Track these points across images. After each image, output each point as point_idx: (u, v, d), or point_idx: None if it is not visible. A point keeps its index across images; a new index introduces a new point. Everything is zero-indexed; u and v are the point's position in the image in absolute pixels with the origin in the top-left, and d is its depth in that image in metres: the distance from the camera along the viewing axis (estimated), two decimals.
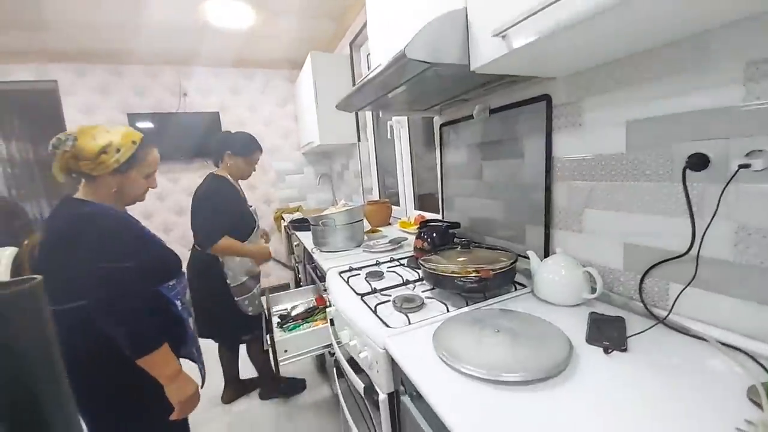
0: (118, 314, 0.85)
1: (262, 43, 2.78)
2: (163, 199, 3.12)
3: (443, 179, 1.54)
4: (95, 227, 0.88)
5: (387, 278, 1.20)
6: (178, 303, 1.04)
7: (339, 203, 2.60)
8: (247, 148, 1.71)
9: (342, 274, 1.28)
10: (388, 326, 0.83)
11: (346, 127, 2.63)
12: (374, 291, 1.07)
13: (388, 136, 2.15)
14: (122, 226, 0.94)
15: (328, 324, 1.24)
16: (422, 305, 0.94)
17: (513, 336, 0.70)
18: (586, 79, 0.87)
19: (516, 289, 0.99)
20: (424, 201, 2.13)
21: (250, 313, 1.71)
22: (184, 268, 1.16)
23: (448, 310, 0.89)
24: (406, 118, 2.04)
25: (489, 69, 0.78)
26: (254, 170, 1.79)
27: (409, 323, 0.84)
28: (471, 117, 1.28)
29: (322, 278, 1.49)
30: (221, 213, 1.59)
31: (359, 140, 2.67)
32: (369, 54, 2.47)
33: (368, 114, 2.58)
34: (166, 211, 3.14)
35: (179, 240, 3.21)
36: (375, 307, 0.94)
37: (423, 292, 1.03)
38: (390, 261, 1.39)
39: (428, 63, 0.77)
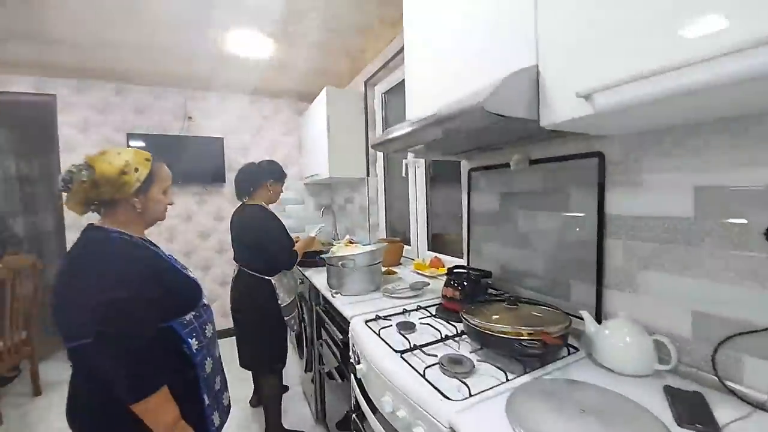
0: (116, 351, 0.78)
1: (273, 74, 2.79)
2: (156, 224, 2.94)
3: (470, 224, 1.50)
4: (100, 254, 0.84)
5: (420, 331, 1.12)
6: (193, 341, 0.92)
7: (344, 239, 2.51)
8: (282, 174, 1.94)
9: (369, 324, 1.18)
10: (448, 398, 0.74)
11: (356, 161, 2.61)
12: (413, 348, 0.97)
13: (403, 174, 2.13)
14: (130, 253, 0.88)
15: (352, 382, 1.13)
16: (473, 369, 0.86)
17: (601, 419, 0.63)
18: (647, 140, 0.87)
19: (569, 353, 0.93)
20: (435, 242, 2.08)
21: (294, 332, 1.86)
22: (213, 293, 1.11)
23: (507, 378, 0.81)
24: (423, 161, 2.03)
25: (563, 126, 0.76)
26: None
27: (470, 395, 0.75)
28: (506, 165, 1.27)
29: (339, 324, 1.39)
30: (285, 232, 1.83)
31: (368, 175, 2.64)
32: (384, 93, 2.52)
33: (379, 152, 2.57)
34: (156, 235, 2.96)
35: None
36: (424, 371, 0.85)
37: (471, 353, 0.94)
38: (417, 309, 1.30)
39: (502, 116, 0.74)
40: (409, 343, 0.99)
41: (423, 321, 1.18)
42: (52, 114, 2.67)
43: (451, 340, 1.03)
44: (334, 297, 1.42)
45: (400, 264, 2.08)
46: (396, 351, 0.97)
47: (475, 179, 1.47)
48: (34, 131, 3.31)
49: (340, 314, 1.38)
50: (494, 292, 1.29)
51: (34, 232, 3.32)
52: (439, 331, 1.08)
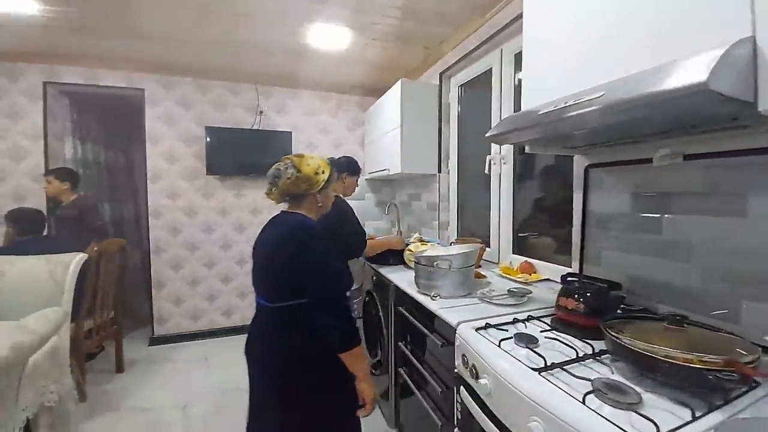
0: (333, 308, 1.01)
1: (344, 67, 2.76)
2: (225, 214, 3.05)
3: (585, 228, 1.34)
4: (314, 232, 1.08)
5: (545, 345, 0.99)
6: (354, 312, 1.17)
7: (413, 237, 2.42)
8: (357, 168, 2.09)
9: (481, 333, 1.07)
10: None
11: (428, 157, 2.50)
12: (550, 366, 0.85)
13: (486, 171, 1.99)
14: (325, 233, 1.12)
15: (461, 395, 1.02)
16: (640, 401, 0.72)
17: None
18: None
19: (751, 386, 0.76)
20: (520, 244, 1.91)
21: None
22: None
23: (694, 416, 0.66)
24: (511, 152, 1.88)
25: None
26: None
27: None
28: (645, 161, 1.10)
29: (436, 330, 1.29)
30: (357, 219, 1.98)
31: (439, 171, 2.52)
32: (461, 85, 2.38)
33: (454, 145, 2.45)
34: (227, 225, 3.06)
35: (235, 257, 3.10)
36: (584, 398, 0.72)
37: (626, 379, 0.80)
38: (528, 320, 1.17)
39: (724, 96, 0.60)
40: (544, 360, 0.87)
41: (545, 334, 1.05)
42: (141, 107, 2.84)
43: (591, 361, 0.90)
44: (434, 299, 1.32)
45: (480, 267, 1.95)
46: (532, 369, 0.85)
47: (595, 177, 1.30)
48: (122, 123, 3.58)
49: (435, 318, 1.28)
50: (626, 307, 1.12)
51: (118, 220, 3.58)
52: (573, 348, 0.94)
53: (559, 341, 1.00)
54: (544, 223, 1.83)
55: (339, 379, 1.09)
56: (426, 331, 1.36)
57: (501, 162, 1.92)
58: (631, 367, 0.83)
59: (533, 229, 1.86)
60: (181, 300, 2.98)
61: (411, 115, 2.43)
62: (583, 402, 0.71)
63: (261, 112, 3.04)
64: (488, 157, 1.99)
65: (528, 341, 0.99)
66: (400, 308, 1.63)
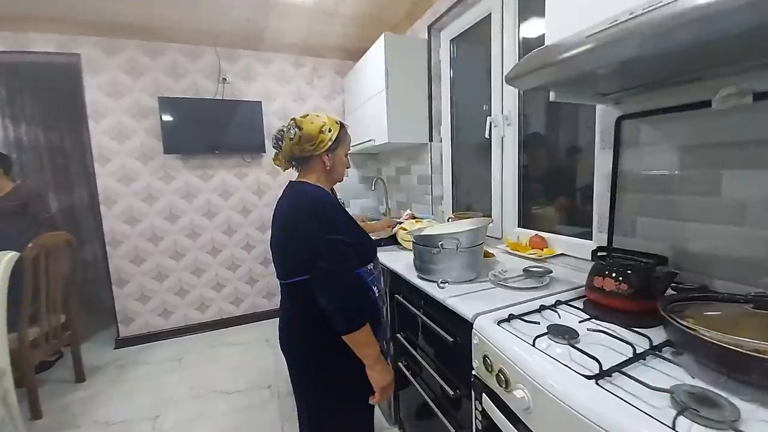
0: (335, 285, 0.92)
1: (318, 25, 2.40)
2: (190, 199, 2.71)
3: (616, 192, 1.13)
4: (318, 202, 0.98)
5: (588, 339, 0.79)
6: (375, 289, 1.06)
7: (404, 214, 2.19)
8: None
9: (506, 327, 0.86)
10: None
11: (418, 124, 2.23)
12: (608, 371, 0.65)
13: (486, 135, 1.75)
14: (335, 203, 1.04)
15: (484, 405, 0.82)
16: (738, 419, 0.52)
17: None
18: None
19: None
20: (525, 216, 1.71)
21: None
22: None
23: None
24: (515, 111, 1.64)
25: None
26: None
27: None
28: (695, 105, 0.88)
29: (441, 322, 1.08)
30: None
31: (431, 140, 2.27)
32: (453, 39, 2.09)
33: (446, 110, 2.18)
34: (193, 212, 2.73)
35: (206, 246, 2.79)
36: (674, 421, 0.52)
37: (705, 383, 0.60)
38: (556, 305, 0.97)
39: None
40: (597, 362, 0.66)
41: (584, 325, 0.85)
42: (78, 77, 2.41)
43: (652, 358, 0.70)
44: (441, 287, 1.10)
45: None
46: (587, 377, 0.64)
47: (629, 131, 1.08)
48: (59, 97, 3.08)
49: (444, 308, 1.06)
50: (677, 285, 0.93)
51: (69, 209, 3.16)
52: (624, 342, 0.74)
53: (605, 333, 0.80)
54: (550, 191, 1.62)
55: (348, 363, 0.98)
56: (432, 324, 1.14)
57: (504, 123, 1.67)
58: (711, 365, 0.63)
59: (539, 199, 1.66)
60: (147, 297, 2.66)
61: (397, 77, 2.13)
62: (674, 428, 0.51)
63: (224, 80, 2.65)
64: (489, 119, 1.74)
65: (568, 335, 0.79)
66: (398, 296, 1.41)
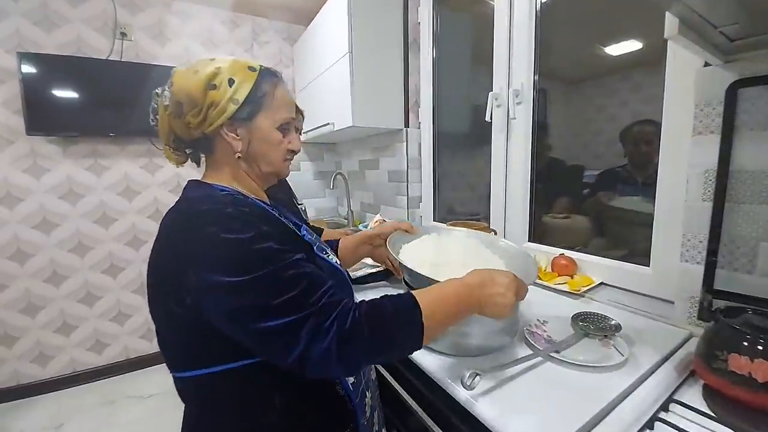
0: (310, 331, 0.47)
1: None
2: (75, 200, 1.96)
3: (724, 201, 0.71)
4: (199, 218, 0.49)
5: None
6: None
7: (375, 219, 1.69)
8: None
9: None
10: None
11: (391, 105, 1.73)
12: None
13: (487, 118, 1.30)
14: (247, 219, 0.50)
15: None
16: None
17: None
18: None
19: None
20: (537, 227, 1.29)
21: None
22: None
23: None
24: (530, 84, 1.20)
25: None
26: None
27: None
28: None
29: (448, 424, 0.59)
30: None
31: (407, 125, 1.78)
32: None
33: (427, 86, 1.70)
34: (79, 218, 1.98)
35: (100, 265, 2.06)
36: None
37: None
38: (667, 404, 0.53)
39: None
40: None
41: None
42: None
43: None
44: (469, 386, 0.59)
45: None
46: None
47: (754, 106, 0.66)
48: None
49: (471, 419, 0.58)
50: None
51: None
52: None
53: None
54: (575, 194, 1.21)
55: None
56: None
57: (512, 101, 1.22)
58: None
59: (560, 206, 1.24)
60: (12, 336, 1.89)
61: (365, 40, 1.60)
62: None
63: (123, 35, 1.93)
64: (491, 96, 1.28)
65: None
66: (388, 377, 0.90)
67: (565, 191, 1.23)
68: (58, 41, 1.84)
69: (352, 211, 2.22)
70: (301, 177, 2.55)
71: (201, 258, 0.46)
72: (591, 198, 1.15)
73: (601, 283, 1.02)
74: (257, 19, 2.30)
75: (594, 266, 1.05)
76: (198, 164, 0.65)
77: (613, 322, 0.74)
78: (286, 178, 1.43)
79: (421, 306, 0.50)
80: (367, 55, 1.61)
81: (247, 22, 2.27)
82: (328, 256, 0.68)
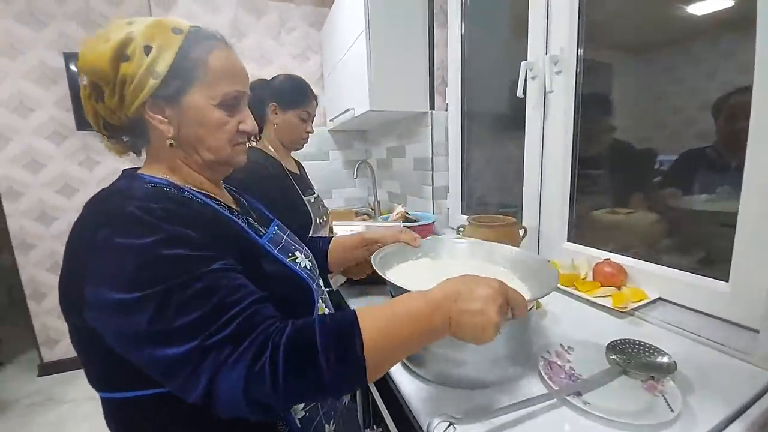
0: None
1: None
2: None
3: None
4: (90, 232, 0.41)
5: None
6: (298, 411, 0.51)
7: (395, 211, 1.57)
8: (300, 94, 1.17)
9: None
10: None
11: (414, 85, 1.57)
12: None
13: (519, 93, 1.09)
14: (164, 214, 0.42)
15: None
16: None
17: None
18: None
19: None
20: (580, 224, 1.07)
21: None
22: None
23: None
24: (574, 53, 0.97)
25: None
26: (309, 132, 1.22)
27: None
28: None
29: None
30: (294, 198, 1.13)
31: (432, 108, 1.61)
32: None
33: (455, 63, 1.50)
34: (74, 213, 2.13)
35: None
36: None
37: None
38: None
39: None
40: None
41: None
42: None
43: None
44: None
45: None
46: None
47: None
48: None
49: None
50: None
51: None
52: None
53: None
54: (633, 186, 0.97)
55: None
56: None
57: (550, 71, 1.00)
58: None
59: (613, 198, 1.01)
60: None
61: (383, 14, 1.46)
62: None
63: None
64: (523, 66, 1.07)
65: None
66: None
67: (629, 180, 0.99)
68: None
69: (378, 202, 2.12)
70: (330, 166, 2.50)
71: (90, 267, 0.39)
72: (664, 187, 0.90)
73: (658, 299, 0.80)
74: (284, 4, 2.25)
75: (649, 276, 0.83)
76: (138, 154, 0.57)
77: (664, 360, 0.56)
78: (303, 166, 1.37)
79: (363, 332, 0.38)
80: (385, 32, 1.47)
81: (273, 8, 2.23)
82: (293, 259, 0.58)
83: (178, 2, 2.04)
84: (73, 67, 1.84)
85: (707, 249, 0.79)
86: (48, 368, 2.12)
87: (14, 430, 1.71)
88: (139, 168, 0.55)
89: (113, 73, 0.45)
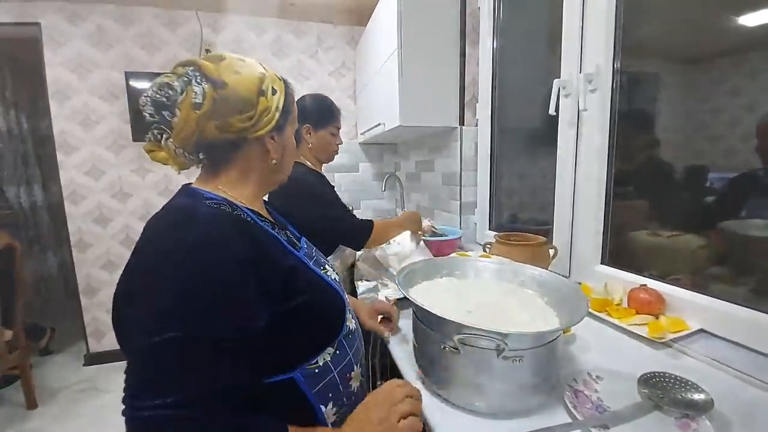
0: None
1: None
2: (170, 196, 2.27)
3: None
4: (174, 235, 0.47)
5: None
6: (328, 407, 0.54)
7: (424, 224, 1.57)
8: (330, 113, 1.27)
9: None
10: None
11: (443, 102, 1.59)
12: None
13: (551, 111, 1.08)
14: (224, 238, 0.47)
15: None
16: None
17: None
18: None
19: None
20: (617, 245, 1.02)
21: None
22: None
23: None
24: (610, 70, 0.95)
25: None
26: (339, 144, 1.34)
27: None
28: None
29: None
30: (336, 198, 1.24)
31: (462, 123, 1.62)
32: None
33: (486, 78, 1.51)
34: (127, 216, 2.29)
35: None
36: None
37: None
38: None
39: None
40: None
41: None
42: (38, 50, 2.03)
43: None
44: None
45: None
46: None
47: None
48: (14, 75, 2.61)
49: None
50: None
51: (27, 207, 2.72)
52: None
53: None
54: (677, 207, 0.92)
55: None
56: None
57: (584, 90, 0.99)
58: None
59: (655, 218, 0.97)
60: None
61: (415, 32, 1.50)
62: None
63: (207, 51, 2.17)
64: (556, 84, 1.06)
65: None
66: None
67: (673, 199, 0.94)
68: (158, 61, 2.15)
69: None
70: (359, 177, 2.55)
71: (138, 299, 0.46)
72: (715, 209, 0.84)
73: (700, 330, 0.75)
74: (322, 25, 2.36)
75: (692, 305, 0.78)
76: (209, 170, 0.59)
77: (701, 396, 0.52)
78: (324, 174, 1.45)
79: None
80: (417, 51, 1.50)
81: (313, 29, 2.35)
82: (325, 272, 0.62)
83: (227, 27, 2.21)
84: (133, 84, 2.04)
85: (760, 279, 0.73)
86: (94, 359, 2.29)
87: (60, 415, 1.86)
88: (192, 183, 0.59)
89: (256, 98, 0.54)
